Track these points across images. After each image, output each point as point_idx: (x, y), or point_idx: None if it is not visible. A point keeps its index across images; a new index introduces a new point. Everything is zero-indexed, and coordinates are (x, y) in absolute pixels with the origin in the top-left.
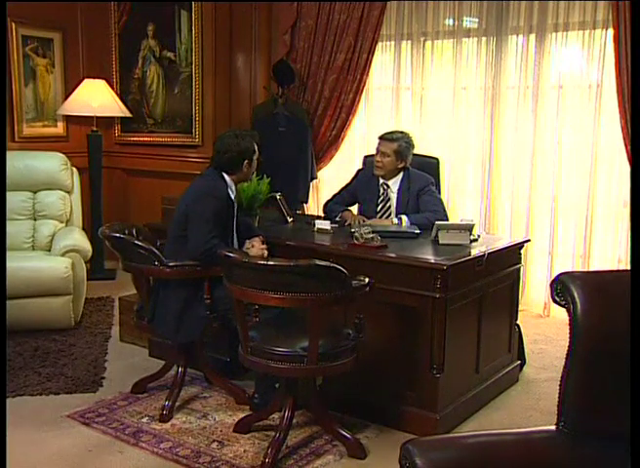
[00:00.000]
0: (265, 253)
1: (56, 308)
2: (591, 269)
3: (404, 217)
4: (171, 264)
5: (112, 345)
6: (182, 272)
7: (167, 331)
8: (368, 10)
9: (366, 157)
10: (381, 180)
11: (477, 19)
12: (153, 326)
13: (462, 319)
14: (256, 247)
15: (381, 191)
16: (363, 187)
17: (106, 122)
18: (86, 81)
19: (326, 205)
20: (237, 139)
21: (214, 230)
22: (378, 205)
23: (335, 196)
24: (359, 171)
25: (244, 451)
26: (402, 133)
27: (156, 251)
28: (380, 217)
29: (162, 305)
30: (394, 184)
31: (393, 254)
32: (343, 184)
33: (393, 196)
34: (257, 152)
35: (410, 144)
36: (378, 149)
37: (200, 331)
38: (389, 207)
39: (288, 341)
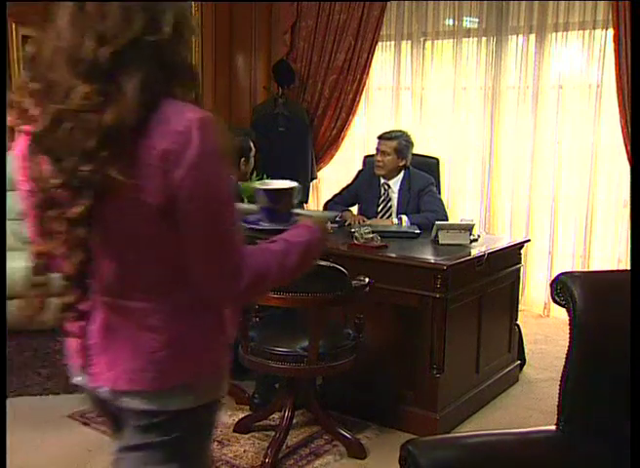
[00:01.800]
0: None
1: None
2: (591, 269)
3: (404, 217)
4: None
5: None
6: None
7: None
8: (368, 10)
9: (366, 157)
10: (382, 180)
11: (477, 20)
12: None
13: (462, 319)
14: None
15: (382, 191)
16: (364, 187)
17: None
18: None
19: (326, 205)
20: (232, 138)
21: None
22: (378, 205)
23: (335, 196)
24: (360, 171)
25: (244, 451)
26: (400, 131)
27: None
28: (381, 217)
29: None
30: (395, 184)
31: (393, 254)
32: (344, 184)
33: (394, 196)
34: (253, 150)
35: (409, 142)
36: (377, 149)
37: None
38: (390, 207)
39: (288, 341)
